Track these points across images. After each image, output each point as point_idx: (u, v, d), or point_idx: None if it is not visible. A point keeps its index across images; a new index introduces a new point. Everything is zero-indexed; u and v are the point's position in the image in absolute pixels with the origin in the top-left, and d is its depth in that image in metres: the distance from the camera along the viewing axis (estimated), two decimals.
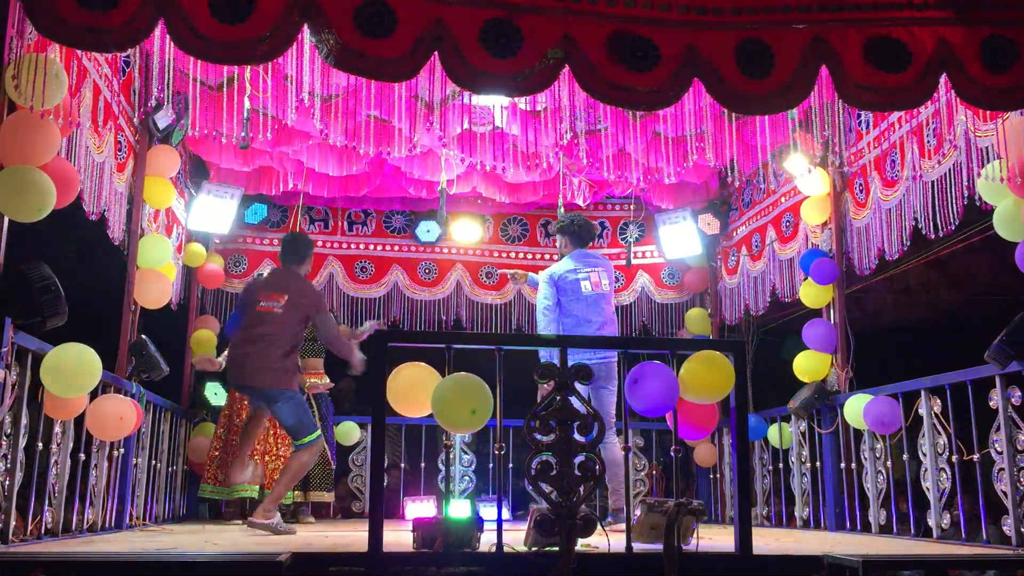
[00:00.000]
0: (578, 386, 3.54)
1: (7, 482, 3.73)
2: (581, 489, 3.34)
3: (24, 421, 3.86)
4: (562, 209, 6.85)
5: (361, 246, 8.03)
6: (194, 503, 7.13)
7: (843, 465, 5.74)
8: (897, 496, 5.42)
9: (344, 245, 7.98)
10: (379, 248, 8.05)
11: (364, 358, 5.40)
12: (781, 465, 6.51)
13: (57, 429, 4.32)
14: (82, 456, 4.62)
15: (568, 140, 5.91)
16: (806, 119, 5.36)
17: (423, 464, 7.52)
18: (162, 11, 3.41)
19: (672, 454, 3.89)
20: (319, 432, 5.25)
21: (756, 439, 6.76)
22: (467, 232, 8.04)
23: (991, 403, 4.29)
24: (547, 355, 4.47)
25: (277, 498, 5.10)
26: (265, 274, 6.45)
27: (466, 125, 5.74)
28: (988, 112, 4.22)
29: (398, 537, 3.98)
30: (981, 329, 4.50)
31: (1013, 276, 4.43)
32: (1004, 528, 4.19)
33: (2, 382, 3.58)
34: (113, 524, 5.13)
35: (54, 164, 3.86)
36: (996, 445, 4.25)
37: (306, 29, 3.57)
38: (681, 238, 7.77)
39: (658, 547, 3.36)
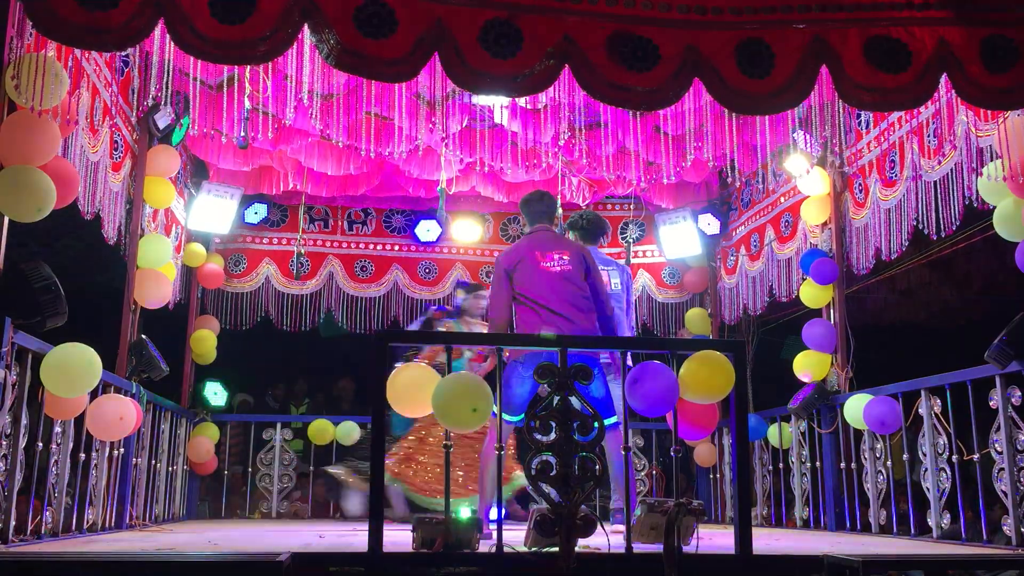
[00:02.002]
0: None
1: (7, 482, 3.73)
2: (581, 489, 3.34)
3: (24, 421, 3.86)
4: (560, 210, 6.85)
5: (361, 245, 8.04)
6: (194, 503, 7.13)
7: (843, 465, 5.74)
8: (897, 496, 5.42)
9: (344, 244, 7.99)
10: (379, 247, 8.05)
11: None
12: (781, 465, 6.51)
13: (57, 429, 4.31)
14: (82, 456, 4.62)
15: (567, 139, 5.91)
16: (806, 119, 5.36)
17: None
18: (162, 11, 3.41)
19: (672, 454, 3.90)
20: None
21: (756, 439, 6.75)
22: (467, 231, 8.04)
23: (991, 403, 4.29)
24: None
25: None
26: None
27: (466, 123, 5.74)
28: (988, 112, 4.22)
29: (398, 537, 3.98)
30: (981, 329, 4.50)
31: (1013, 276, 4.43)
32: (1004, 528, 4.19)
33: (2, 382, 3.58)
34: (113, 524, 5.13)
35: (54, 164, 3.86)
36: (996, 445, 4.25)
37: (306, 29, 3.57)
38: (681, 238, 7.78)
39: (658, 547, 3.36)
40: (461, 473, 6.01)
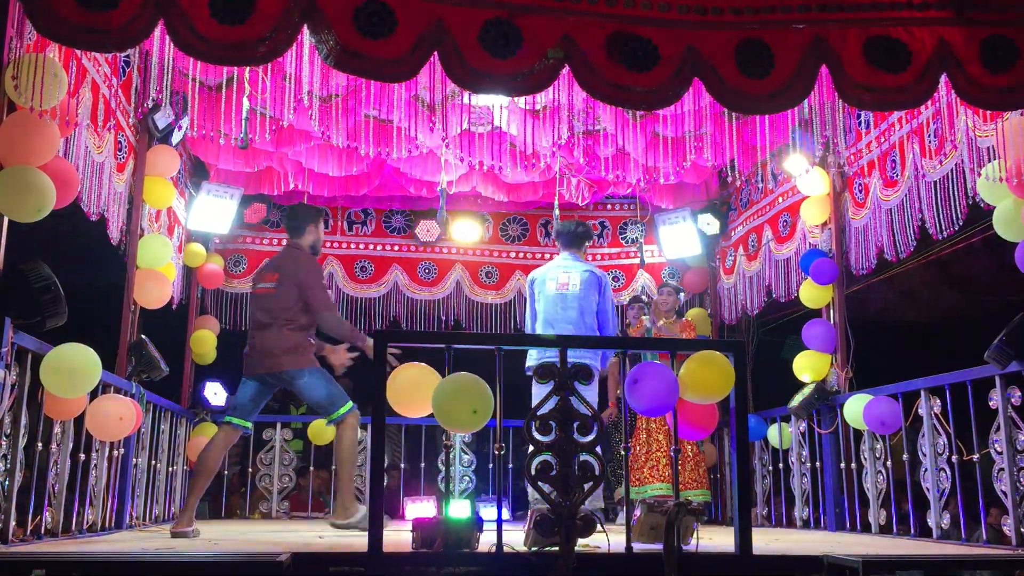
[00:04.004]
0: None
1: (7, 482, 3.73)
2: (582, 489, 3.34)
3: (24, 421, 3.86)
4: (558, 210, 6.86)
5: (361, 246, 8.04)
6: None
7: (843, 465, 5.75)
8: (897, 496, 5.42)
9: (344, 245, 7.99)
10: (379, 248, 8.05)
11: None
12: (781, 465, 6.51)
13: (57, 429, 4.31)
14: (82, 456, 4.62)
15: (566, 140, 5.91)
16: (806, 119, 5.36)
17: (423, 464, 7.53)
18: (162, 11, 3.40)
19: (672, 454, 3.90)
20: (351, 402, 5.04)
21: (756, 439, 6.76)
22: (467, 232, 8.04)
23: (991, 403, 4.29)
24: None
25: (347, 492, 5.06)
26: None
27: (465, 125, 5.74)
28: (988, 112, 4.22)
29: (398, 537, 3.98)
30: (981, 329, 4.50)
31: (1013, 276, 4.43)
32: (1004, 528, 4.19)
33: (2, 382, 3.58)
34: (113, 524, 5.13)
35: (54, 164, 3.86)
36: (996, 445, 4.25)
37: (306, 29, 3.57)
38: (681, 238, 7.78)
39: (658, 547, 3.36)
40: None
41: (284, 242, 5.43)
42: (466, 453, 7.53)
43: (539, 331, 5.58)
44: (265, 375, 5.05)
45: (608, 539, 3.49)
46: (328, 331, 5.16)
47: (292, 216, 5.32)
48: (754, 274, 7.12)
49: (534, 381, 5.42)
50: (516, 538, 3.66)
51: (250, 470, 7.45)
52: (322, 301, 5.04)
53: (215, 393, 7.23)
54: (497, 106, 5.70)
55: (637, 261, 7.99)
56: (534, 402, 5.30)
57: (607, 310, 5.64)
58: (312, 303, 5.00)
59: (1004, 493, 4.16)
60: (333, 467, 7.26)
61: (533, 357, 5.45)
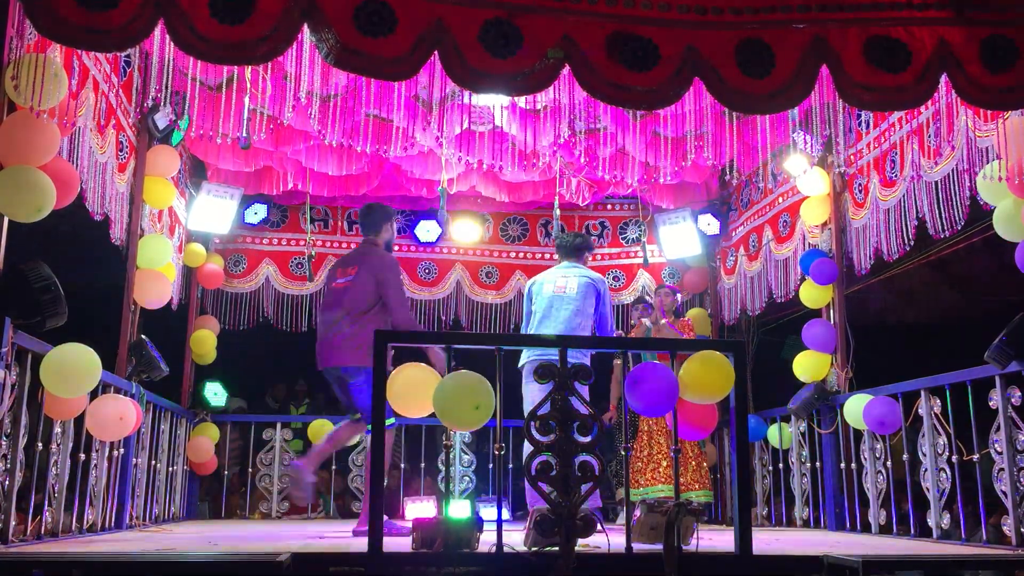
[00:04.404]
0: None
1: (7, 482, 3.73)
2: (581, 489, 3.34)
3: (24, 421, 3.85)
4: (558, 210, 6.85)
5: None
6: (194, 503, 7.14)
7: (843, 465, 5.75)
8: (897, 496, 5.42)
9: (344, 244, 7.98)
10: None
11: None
12: (781, 465, 6.51)
13: (57, 429, 4.31)
14: (82, 456, 4.62)
15: (566, 139, 5.91)
16: (806, 119, 5.36)
17: (423, 464, 7.53)
18: (162, 11, 3.41)
19: (673, 454, 3.90)
20: (394, 418, 4.88)
21: (756, 439, 6.76)
22: (467, 232, 8.04)
23: (991, 403, 4.29)
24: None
25: (320, 454, 5.23)
26: None
27: (465, 124, 5.74)
28: (989, 112, 4.22)
29: (398, 537, 3.98)
30: (981, 329, 4.50)
31: (1013, 276, 4.43)
32: (1004, 528, 4.19)
33: (2, 382, 3.58)
34: (113, 524, 5.13)
35: (54, 164, 3.86)
36: (996, 445, 4.25)
37: (306, 28, 3.57)
38: (681, 238, 7.78)
39: (658, 547, 3.36)
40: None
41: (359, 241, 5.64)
42: (466, 453, 7.53)
43: (533, 331, 5.57)
44: (329, 369, 5.07)
45: (608, 539, 3.49)
46: (397, 328, 5.12)
47: (369, 214, 5.36)
48: (755, 274, 7.12)
49: (524, 380, 5.42)
50: (516, 538, 3.66)
51: (250, 470, 7.45)
52: (398, 299, 5.06)
53: (215, 393, 7.23)
54: (497, 106, 5.70)
55: (638, 261, 8.01)
56: (525, 400, 5.32)
57: (606, 315, 5.64)
58: (390, 301, 5.02)
59: (1004, 493, 4.16)
60: (334, 467, 7.32)
61: (524, 356, 5.46)
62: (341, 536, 4.77)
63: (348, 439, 5.40)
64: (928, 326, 10.05)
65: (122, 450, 5.19)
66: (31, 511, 4.11)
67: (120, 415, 4.59)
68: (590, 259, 6.47)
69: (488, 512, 6.01)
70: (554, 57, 3.68)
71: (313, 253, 7.69)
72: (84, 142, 4.50)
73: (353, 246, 7.97)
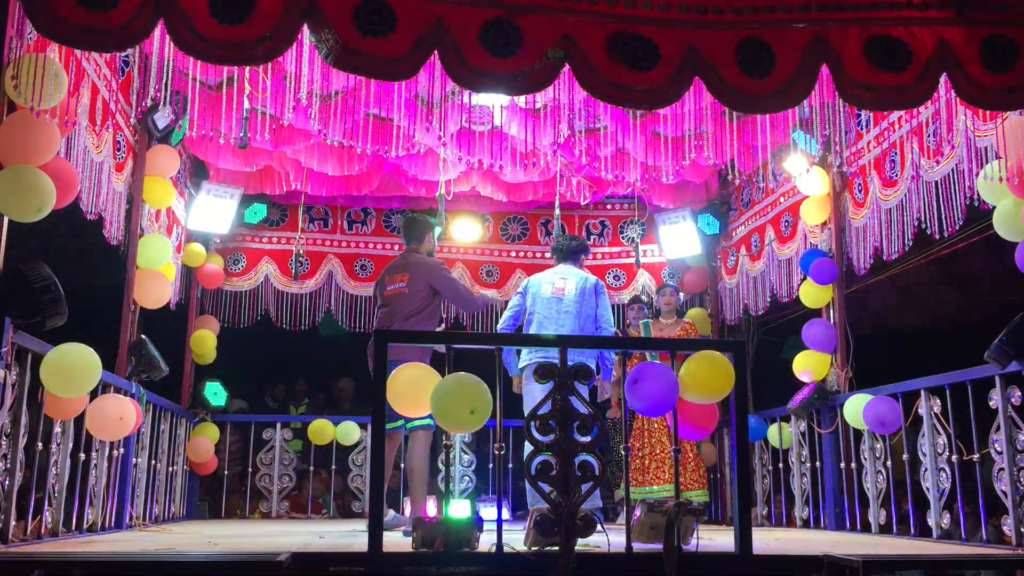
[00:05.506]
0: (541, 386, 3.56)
1: (7, 482, 3.73)
2: (582, 489, 3.34)
3: (24, 421, 3.86)
4: (558, 210, 6.85)
5: (361, 245, 8.04)
6: (194, 503, 7.13)
7: (843, 465, 5.74)
8: (897, 496, 5.42)
9: (344, 244, 7.99)
10: (379, 247, 8.05)
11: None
12: (781, 465, 6.51)
13: (57, 429, 4.31)
14: (82, 456, 4.62)
15: (566, 138, 5.91)
16: (806, 119, 5.36)
17: None
18: (162, 11, 3.40)
19: (672, 454, 3.90)
20: (432, 420, 5.04)
21: (756, 439, 6.75)
22: (467, 231, 8.05)
23: (991, 403, 4.29)
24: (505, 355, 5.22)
25: (415, 497, 5.41)
26: None
27: (465, 123, 5.74)
28: (988, 112, 4.21)
29: (398, 537, 3.98)
30: (981, 329, 4.50)
31: (1013, 276, 4.42)
32: (1004, 528, 4.19)
33: (2, 382, 3.58)
34: (113, 524, 5.13)
35: (54, 164, 3.86)
36: (996, 445, 4.25)
37: (305, 28, 3.57)
38: (681, 238, 7.78)
39: (658, 547, 3.36)
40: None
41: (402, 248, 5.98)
42: (466, 453, 7.53)
43: (532, 332, 5.56)
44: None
45: (608, 539, 3.49)
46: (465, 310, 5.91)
47: (413, 226, 5.84)
48: (758, 274, 7.12)
49: (525, 381, 5.42)
50: (516, 538, 3.66)
51: (250, 470, 7.45)
52: (456, 294, 5.57)
53: (215, 393, 7.23)
54: (497, 105, 5.70)
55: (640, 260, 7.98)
56: (525, 401, 5.32)
57: (605, 316, 5.64)
58: (451, 299, 5.61)
59: (1004, 493, 4.16)
60: (334, 467, 7.33)
61: (525, 357, 5.46)
62: (341, 536, 4.77)
63: (425, 448, 5.48)
64: (928, 326, 10.04)
65: (122, 450, 5.19)
66: (31, 511, 4.11)
67: (120, 415, 4.59)
68: (585, 261, 6.46)
69: (488, 512, 6.00)
70: (554, 57, 3.68)
71: (301, 251, 7.68)
72: (79, 141, 4.50)
73: (353, 245, 8.04)
